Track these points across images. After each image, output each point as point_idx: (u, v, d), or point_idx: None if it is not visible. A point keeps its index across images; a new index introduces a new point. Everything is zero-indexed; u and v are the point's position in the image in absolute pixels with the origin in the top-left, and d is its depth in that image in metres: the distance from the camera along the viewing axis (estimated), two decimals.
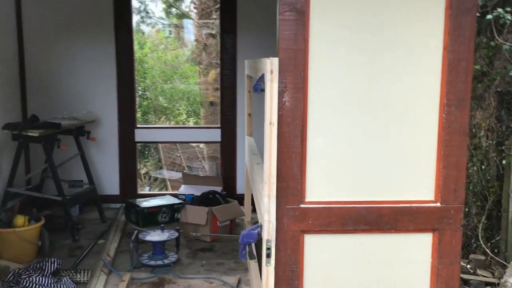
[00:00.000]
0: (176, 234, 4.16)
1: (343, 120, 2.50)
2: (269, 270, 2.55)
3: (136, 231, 4.15)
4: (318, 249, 2.59)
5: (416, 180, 2.55)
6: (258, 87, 2.61)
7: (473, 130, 5.60)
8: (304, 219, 2.54)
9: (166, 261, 4.01)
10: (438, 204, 2.55)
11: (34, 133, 4.43)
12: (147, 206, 5.00)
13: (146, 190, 9.15)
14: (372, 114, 2.50)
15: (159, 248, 4.07)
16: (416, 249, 2.60)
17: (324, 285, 2.61)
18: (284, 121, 2.45)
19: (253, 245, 2.76)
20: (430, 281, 2.61)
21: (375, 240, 2.59)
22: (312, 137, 2.51)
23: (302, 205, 2.54)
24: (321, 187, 2.55)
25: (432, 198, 2.56)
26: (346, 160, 2.54)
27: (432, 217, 2.55)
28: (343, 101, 2.49)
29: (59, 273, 3.67)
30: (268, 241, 2.53)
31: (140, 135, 5.78)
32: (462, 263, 5.21)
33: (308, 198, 2.55)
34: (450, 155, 2.50)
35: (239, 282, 3.71)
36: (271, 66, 2.31)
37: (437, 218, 2.55)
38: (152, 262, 4.00)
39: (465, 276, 4.58)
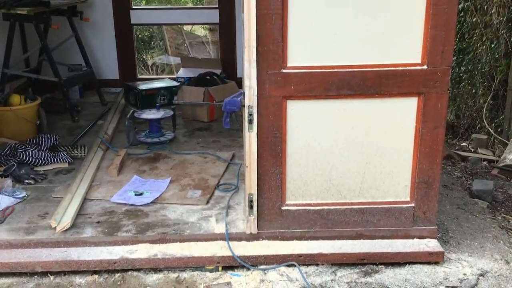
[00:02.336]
0: (171, 112, 4.17)
1: None
2: (251, 136, 2.56)
3: (132, 110, 4.17)
4: (301, 115, 2.56)
5: (401, 42, 2.44)
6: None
7: (485, 7, 5.34)
8: (286, 84, 2.50)
9: (162, 139, 4.06)
10: (425, 67, 2.46)
11: (23, 11, 4.33)
12: (145, 88, 4.98)
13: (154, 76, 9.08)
14: None
15: (155, 126, 4.10)
16: (400, 114, 2.56)
17: (307, 150, 2.61)
18: None
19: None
20: (413, 145, 2.60)
21: (358, 105, 2.56)
22: None
23: (284, 70, 2.48)
24: (303, 52, 2.47)
25: (419, 61, 2.47)
26: (330, 23, 2.43)
27: (417, 80, 2.48)
28: None
29: (56, 149, 3.74)
30: (249, 107, 2.51)
31: (137, 17, 5.63)
32: (463, 143, 5.21)
33: (290, 63, 2.48)
34: (439, 14, 2.37)
35: (232, 156, 3.76)
36: None
37: (423, 81, 2.48)
38: (148, 140, 4.05)
39: (464, 153, 4.58)
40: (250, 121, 2.53)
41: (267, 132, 2.57)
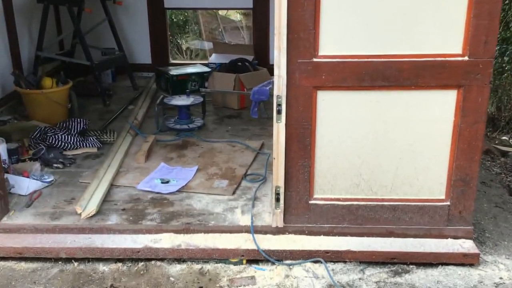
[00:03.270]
0: (201, 99, 4.11)
1: None
2: (279, 127, 2.47)
3: (161, 96, 4.13)
4: (331, 106, 2.46)
5: (441, 31, 2.30)
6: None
7: None
8: (317, 74, 2.39)
9: (191, 126, 4.01)
10: (466, 58, 2.32)
11: None
12: (177, 73, 4.94)
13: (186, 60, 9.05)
14: None
15: (184, 112, 4.05)
16: (438, 107, 2.42)
17: (337, 143, 2.51)
18: None
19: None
20: (451, 140, 2.46)
21: (393, 97, 2.43)
22: None
23: (315, 59, 2.38)
24: (335, 40, 2.36)
25: (459, 51, 2.32)
26: (364, 10, 2.31)
27: (457, 72, 2.34)
28: None
29: (86, 133, 3.74)
30: (278, 96, 2.42)
31: (170, 1, 5.57)
32: (504, 137, 4.98)
33: (321, 52, 2.38)
34: (483, 2, 2.22)
35: (262, 146, 3.68)
36: None
37: (463, 73, 2.33)
38: (178, 126, 4.00)
39: (504, 148, 4.38)
40: (279, 112, 2.44)
41: (296, 123, 2.48)
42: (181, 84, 4.92)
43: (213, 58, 5.50)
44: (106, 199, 2.92)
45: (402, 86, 2.40)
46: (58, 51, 5.26)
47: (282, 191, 2.57)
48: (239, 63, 4.75)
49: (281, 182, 2.56)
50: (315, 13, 2.30)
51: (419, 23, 2.29)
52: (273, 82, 2.51)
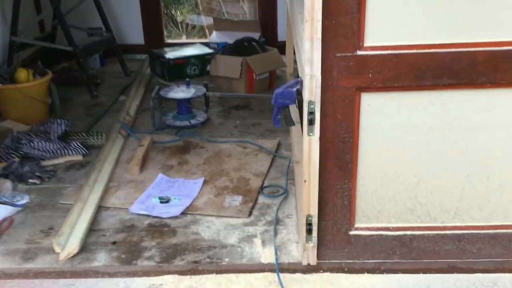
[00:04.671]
0: (204, 90, 3.50)
1: None
2: (312, 141, 1.88)
3: (157, 87, 3.52)
4: (380, 112, 1.87)
5: None
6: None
7: None
8: (361, 71, 1.79)
9: (193, 122, 3.42)
10: None
11: None
12: (173, 57, 4.31)
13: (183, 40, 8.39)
14: None
15: (184, 106, 3.45)
16: None
17: (386, 160, 1.93)
18: None
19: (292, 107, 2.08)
20: None
21: (462, 98, 1.84)
22: None
23: (359, 52, 1.78)
24: (387, 25, 1.75)
25: None
26: None
27: None
28: None
29: (68, 137, 3.15)
30: (310, 103, 1.82)
31: None
32: None
33: (368, 42, 1.77)
34: None
35: (278, 146, 3.10)
36: None
37: None
38: (177, 123, 3.41)
39: None
40: (311, 122, 1.84)
41: (333, 136, 1.89)
42: (179, 69, 4.30)
43: (214, 37, 4.85)
44: (92, 227, 2.36)
45: (474, 84, 1.80)
46: (39, 34, 4.61)
47: (315, 220, 2.00)
48: (245, 43, 4.11)
49: (313, 210, 1.99)
50: None
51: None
52: (301, 81, 1.91)
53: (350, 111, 1.86)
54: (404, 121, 1.88)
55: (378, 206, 2.02)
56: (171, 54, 4.37)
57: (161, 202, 2.51)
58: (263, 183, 2.70)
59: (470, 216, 2.02)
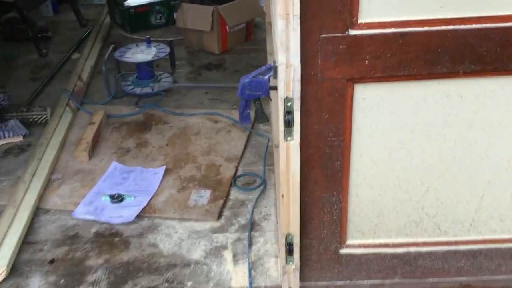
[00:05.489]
0: (167, 50, 2.97)
1: None
2: (291, 147, 1.43)
3: (111, 46, 2.99)
4: (379, 107, 1.42)
5: None
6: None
7: None
8: (355, 57, 1.32)
9: (155, 88, 2.92)
10: None
11: None
12: (135, 4, 3.73)
13: None
14: None
15: (145, 70, 2.94)
16: None
17: (386, 165, 1.51)
18: None
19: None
20: None
21: (488, 89, 1.39)
22: None
23: (352, 31, 1.29)
24: None
25: None
26: None
27: None
28: None
29: (5, 114, 2.65)
30: (287, 100, 1.36)
31: None
32: None
33: (364, 17, 1.29)
34: None
35: (255, 119, 2.63)
36: None
37: None
38: (137, 90, 2.91)
39: None
40: (288, 124, 1.39)
41: (318, 140, 1.45)
42: (142, 18, 3.74)
43: None
44: (26, 239, 1.94)
45: (501, 71, 1.35)
46: None
47: (296, 240, 1.59)
48: None
49: (294, 228, 1.57)
50: None
51: None
52: (275, 68, 1.44)
53: (340, 108, 1.40)
54: (410, 118, 1.43)
55: (376, 219, 1.61)
56: (132, 0, 3.79)
57: (112, 202, 2.08)
58: (236, 170, 2.27)
59: (489, 228, 1.62)
